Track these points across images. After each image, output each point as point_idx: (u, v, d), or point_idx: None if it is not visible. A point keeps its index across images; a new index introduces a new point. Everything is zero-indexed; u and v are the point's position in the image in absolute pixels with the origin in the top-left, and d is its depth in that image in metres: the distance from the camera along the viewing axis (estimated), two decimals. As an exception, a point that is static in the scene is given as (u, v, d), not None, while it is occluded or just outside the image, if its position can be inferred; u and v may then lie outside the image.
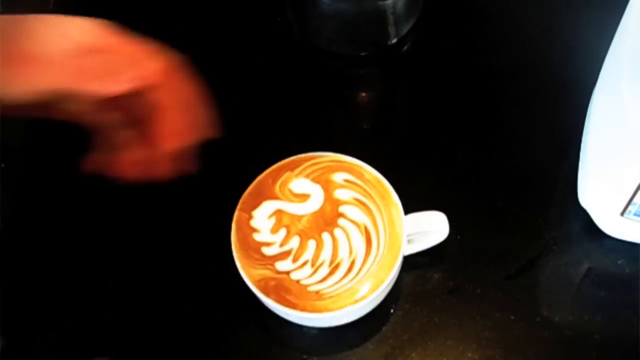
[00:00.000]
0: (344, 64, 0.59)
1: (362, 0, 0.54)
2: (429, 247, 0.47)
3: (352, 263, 0.43)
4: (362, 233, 0.44)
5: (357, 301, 0.42)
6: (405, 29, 0.58)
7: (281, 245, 0.44)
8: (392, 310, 0.48)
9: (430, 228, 0.46)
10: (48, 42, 0.38)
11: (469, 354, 0.46)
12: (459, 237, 0.49)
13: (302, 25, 0.58)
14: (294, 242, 0.44)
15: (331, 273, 0.43)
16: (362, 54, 0.58)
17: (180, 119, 0.42)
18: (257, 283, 0.43)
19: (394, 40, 0.58)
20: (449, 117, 0.56)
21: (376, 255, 0.43)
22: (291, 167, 0.47)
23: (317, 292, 0.42)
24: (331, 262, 0.43)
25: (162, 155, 0.42)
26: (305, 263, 0.43)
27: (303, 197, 0.45)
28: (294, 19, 0.59)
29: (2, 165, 0.54)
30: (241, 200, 0.45)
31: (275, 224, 0.45)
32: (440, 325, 0.47)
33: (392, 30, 0.57)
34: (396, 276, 0.44)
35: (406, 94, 0.58)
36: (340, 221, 0.44)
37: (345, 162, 0.47)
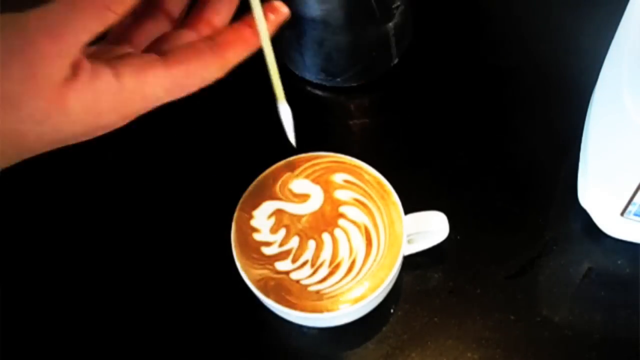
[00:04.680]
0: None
1: (365, 29, 0.53)
2: (429, 247, 0.47)
3: (352, 263, 0.43)
4: (362, 233, 0.44)
5: (357, 301, 0.42)
6: (403, 48, 0.57)
7: (280, 245, 0.44)
8: (392, 310, 0.48)
9: (430, 228, 0.46)
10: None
11: (469, 354, 0.46)
12: (459, 237, 0.49)
13: (302, 67, 0.57)
14: (294, 242, 0.44)
15: (331, 273, 0.43)
16: (364, 82, 0.57)
17: None
18: (256, 283, 0.43)
19: (396, 61, 0.57)
20: (449, 118, 0.56)
21: (376, 256, 0.43)
22: (291, 168, 0.47)
23: (317, 292, 0.42)
24: (331, 262, 0.43)
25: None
26: (305, 263, 0.43)
27: (303, 198, 0.45)
28: (293, 62, 0.57)
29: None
30: (241, 200, 0.46)
31: (275, 224, 0.45)
32: (440, 325, 0.47)
33: (393, 51, 0.56)
34: (396, 276, 0.44)
35: (406, 94, 0.58)
36: (341, 221, 0.44)
37: (345, 162, 0.47)
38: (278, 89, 0.38)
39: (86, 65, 0.32)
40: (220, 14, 0.38)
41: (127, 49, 0.37)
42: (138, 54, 0.36)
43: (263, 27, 0.36)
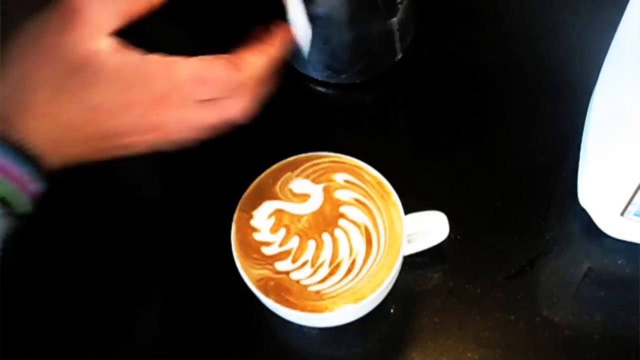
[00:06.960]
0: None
1: (370, 24, 0.53)
2: (429, 247, 0.47)
3: (353, 263, 0.43)
4: (362, 233, 0.44)
5: (357, 301, 0.42)
6: (407, 42, 0.58)
7: (280, 245, 0.44)
8: (392, 310, 0.48)
9: (430, 228, 0.46)
10: None
11: (469, 354, 0.46)
12: (459, 237, 0.49)
13: (308, 65, 0.57)
14: (294, 242, 0.44)
15: (331, 273, 0.43)
16: (369, 78, 0.57)
17: None
18: (257, 283, 0.43)
19: (399, 57, 0.57)
20: (448, 117, 0.56)
21: (376, 256, 0.43)
22: (292, 168, 0.47)
23: (317, 292, 0.42)
24: (331, 262, 0.43)
25: None
26: (305, 263, 0.43)
27: (303, 198, 0.45)
28: (298, 60, 0.57)
29: None
30: (241, 201, 0.46)
31: (275, 224, 0.45)
32: (440, 325, 0.47)
33: (397, 47, 0.56)
34: (396, 276, 0.44)
35: (406, 94, 0.58)
36: (341, 222, 0.44)
37: (345, 162, 0.47)
38: None
39: None
40: None
41: None
42: None
43: None
